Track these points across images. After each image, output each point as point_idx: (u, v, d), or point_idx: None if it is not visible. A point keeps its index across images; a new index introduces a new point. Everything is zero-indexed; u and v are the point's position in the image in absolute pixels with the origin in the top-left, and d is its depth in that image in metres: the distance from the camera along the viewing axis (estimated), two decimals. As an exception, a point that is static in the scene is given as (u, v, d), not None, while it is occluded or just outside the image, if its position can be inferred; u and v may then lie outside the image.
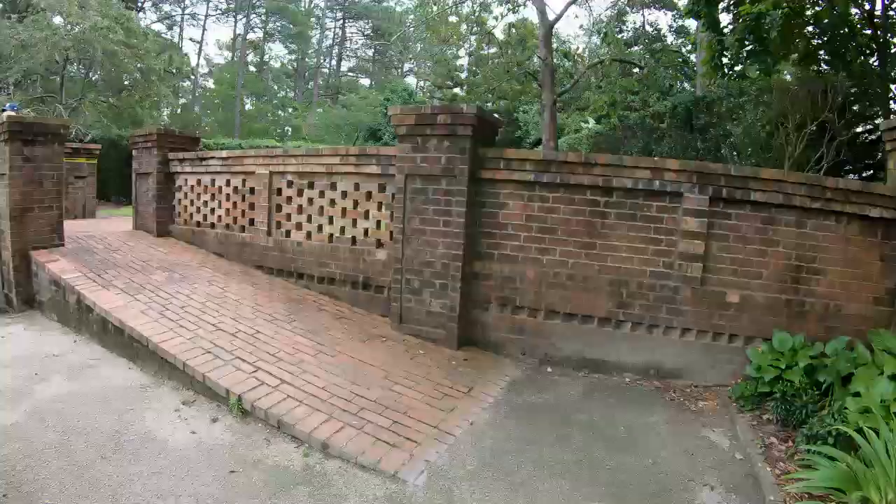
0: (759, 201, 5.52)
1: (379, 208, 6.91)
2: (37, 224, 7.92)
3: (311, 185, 7.43)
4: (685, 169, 5.62)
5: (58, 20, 22.10)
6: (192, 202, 9.11)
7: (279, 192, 7.74)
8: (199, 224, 8.99)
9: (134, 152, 9.89)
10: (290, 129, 49.32)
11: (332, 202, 7.26)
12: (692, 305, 5.68)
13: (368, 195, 6.97)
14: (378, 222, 6.96)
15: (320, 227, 7.39)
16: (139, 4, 40.37)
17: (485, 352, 6.25)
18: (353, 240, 7.13)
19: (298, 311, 6.62)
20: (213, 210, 8.74)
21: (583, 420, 4.85)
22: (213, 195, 8.70)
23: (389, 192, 6.75)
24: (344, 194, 7.16)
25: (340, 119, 33.94)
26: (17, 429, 4.37)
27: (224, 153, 8.72)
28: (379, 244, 6.95)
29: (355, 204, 7.09)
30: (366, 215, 7.03)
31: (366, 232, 7.05)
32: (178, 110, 44.69)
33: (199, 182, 8.90)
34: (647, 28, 21.69)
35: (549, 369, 5.99)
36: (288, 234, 7.70)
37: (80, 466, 3.86)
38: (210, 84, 54.19)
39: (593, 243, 5.96)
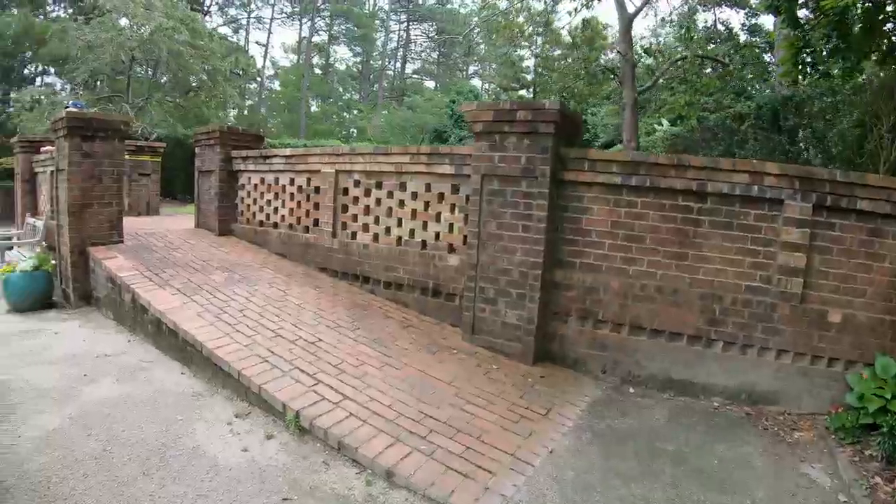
0: (865, 210, 4.96)
1: (451, 211, 6.57)
2: (95, 220, 7.93)
3: (379, 186, 7.17)
4: (786, 173, 5.09)
5: (123, 22, 22.59)
6: (254, 201, 9.04)
7: (345, 191, 7.52)
8: (261, 223, 8.90)
9: (197, 150, 9.89)
10: (354, 131, 50.10)
11: (402, 203, 6.97)
12: (790, 325, 5.14)
13: (440, 197, 6.64)
14: (450, 225, 6.61)
15: (388, 230, 7.11)
16: (205, 9, 41.27)
17: (562, 368, 5.81)
18: (424, 244, 6.81)
19: (363, 318, 6.33)
20: (276, 209, 8.62)
21: (671, 450, 4.40)
22: (276, 194, 8.59)
23: (463, 194, 6.40)
24: (414, 195, 6.85)
25: (405, 121, 33.93)
26: (59, 435, 4.19)
27: (288, 151, 8.58)
28: (451, 249, 6.60)
29: (426, 206, 6.77)
30: (437, 218, 6.70)
31: (437, 235, 6.71)
32: (245, 111, 45.92)
33: (262, 180, 8.81)
34: (719, 27, 20.85)
35: (631, 389, 5.53)
36: (354, 235, 7.45)
37: (120, 483, 3.61)
38: (276, 86, 55.66)
39: (684, 253, 5.46)
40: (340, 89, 57.41)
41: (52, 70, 31.40)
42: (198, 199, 9.99)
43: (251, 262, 7.89)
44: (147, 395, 4.94)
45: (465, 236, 6.29)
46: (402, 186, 6.93)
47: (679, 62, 17.01)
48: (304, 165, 8.04)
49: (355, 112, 52.55)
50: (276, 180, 8.53)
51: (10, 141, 14.83)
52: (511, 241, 5.76)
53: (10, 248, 10.26)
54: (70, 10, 31.26)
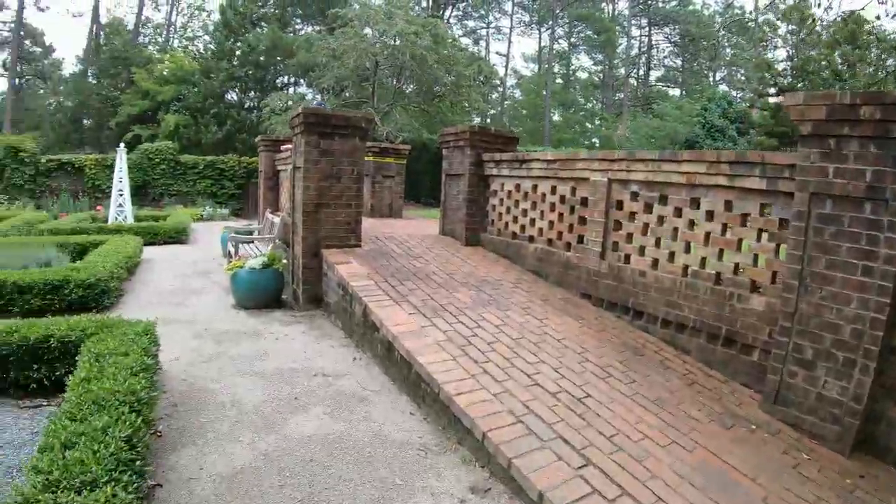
0: None
1: (758, 237, 5.25)
2: (332, 221, 7.83)
3: (663, 200, 6.09)
4: None
5: (367, 31, 23.75)
6: (507, 209, 8.50)
7: (619, 205, 6.55)
8: (514, 235, 8.32)
9: (444, 152, 9.62)
10: (597, 141, 49.77)
11: (691, 224, 5.81)
12: None
13: (743, 218, 5.35)
14: (755, 257, 5.30)
15: (672, 255, 5.99)
16: (446, 21, 42.97)
17: (884, 464, 4.27)
18: (717, 277, 5.56)
19: (637, 366, 5.29)
20: (532, 221, 7.97)
21: None
22: (533, 203, 7.92)
23: (776, 216, 5.07)
24: (709, 214, 5.63)
25: (653, 129, 32.66)
26: (246, 478, 3.62)
27: (549, 155, 7.86)
28: (754, 287, 5.28)
29: (724, 229, 5.51)
30: (738, 245, 5.41)
31: (736, 268, 5.44)
32: (488, 119, 47.98)
33: (517, 187, 8.23)
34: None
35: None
36: (627, 259, 6.46)
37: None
38: (517, 95, 57.78)
39: None
40: (582, 99, 57.75)
41: (302, 81, 35.11)
42: (443, 205, 9.70)
43: (501, 280, 7.26)
44: (363, 438, 4.33)
45: (777, 273, 5.03)
46: (694, 203, 5.78)
47: None
48: (568, 172, 7.24)
49: (597, 121, 52.46)
50: (534, 188, 7.89)
51: (255, 140, 15.97)
52: (844, 285, 4.36)
53: (250, 242, 10.55)
54: (315, 27, 34.83)
